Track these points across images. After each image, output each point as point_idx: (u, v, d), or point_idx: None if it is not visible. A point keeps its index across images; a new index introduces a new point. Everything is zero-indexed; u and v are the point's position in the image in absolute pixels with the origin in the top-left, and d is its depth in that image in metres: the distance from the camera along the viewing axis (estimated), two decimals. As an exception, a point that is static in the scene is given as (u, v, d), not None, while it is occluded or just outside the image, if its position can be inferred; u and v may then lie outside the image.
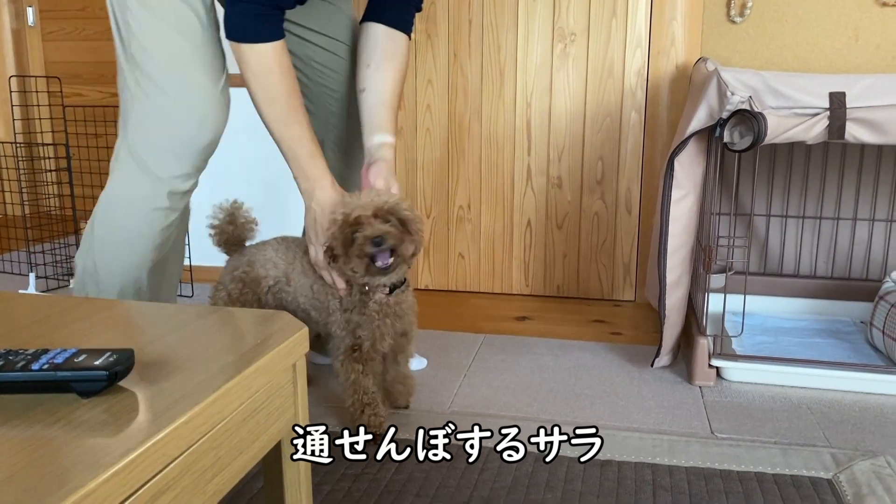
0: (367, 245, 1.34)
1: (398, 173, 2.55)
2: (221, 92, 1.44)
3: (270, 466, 0.87)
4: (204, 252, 2.71)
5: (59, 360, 0.66)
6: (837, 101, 1.60)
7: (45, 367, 0.65)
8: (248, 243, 1.61)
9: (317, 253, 1.44)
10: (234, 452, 0.71)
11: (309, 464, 0.89)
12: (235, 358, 0.75)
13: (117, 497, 0.54)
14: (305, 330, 0.84)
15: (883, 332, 1.86)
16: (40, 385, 0.65)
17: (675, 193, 1.75)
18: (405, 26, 1.60)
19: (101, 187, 2.67)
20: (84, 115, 2.75)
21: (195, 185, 1.49)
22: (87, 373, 0.65)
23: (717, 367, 1.80)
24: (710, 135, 1.75)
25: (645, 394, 1.75)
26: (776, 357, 1.84)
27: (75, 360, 0.66)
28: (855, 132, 1.61)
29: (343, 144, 1.74)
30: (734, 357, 1.82)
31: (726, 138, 1.66)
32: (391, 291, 1.45)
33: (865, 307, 2.04)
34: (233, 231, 1.57)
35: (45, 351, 0.68)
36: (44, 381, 0.65)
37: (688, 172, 1.76)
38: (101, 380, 0.65)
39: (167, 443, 0.60)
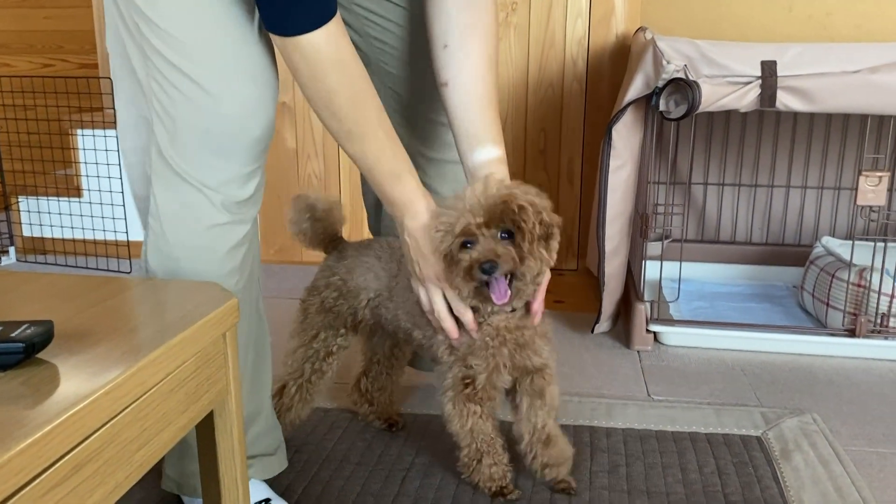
0: (475, 271, 1.03)
1: (324, 145, 2.52)
2: (267, 65, 1.04)
3: (204, 437, 0.87)
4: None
5: (-26, 333, 0.64)
6: (769, 70, 1.63)
7: (-41, 340, 0.63)
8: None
9: (420, 293, 1.14)
10: (161, 423, 0.70)
11: (243, 433, 0.89)
12: (161, 328, 0.74)
13: (33, 469, 0.53)
14: (235, 301, 0.83)
15: (813, 296, 1.93)
16: (-46, 359, 0.63)
17: (613, 163, 1.78)
18: None
19: (33, 161, 2.59)
20: (11, 85, 2.65)
21: (259, 186, 1.10)
22: (3, 345, 0.63)
23: (654, 332, 1.85)
24: (647, 104, 1.77)
25: (585, 359, 1.78)
26: (711, 321, 1.90)
27: (-10, 333, 0.64)
28: (785, 100, 1.64)
29: (413, 125, 1.37)
30: (671, 322, 1.86)
31: (662, 107, 1.68)
32: (514, 308, 1.13)
33: (798, 272, 2.10)
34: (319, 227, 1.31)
35: (-41, 324, 0.66)
36: (-43, 354, 0.63)
37: (626, 142, 1.78)
38: (18, 352, 0.63)
39: (87, 414, 0.59)
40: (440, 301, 1.11)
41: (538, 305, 1.14)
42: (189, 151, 1.01)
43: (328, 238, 1.31)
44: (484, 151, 1.13)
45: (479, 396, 1.15)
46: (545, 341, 1.18)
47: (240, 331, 1.13)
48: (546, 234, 1.06)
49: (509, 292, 1.05)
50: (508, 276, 1.05)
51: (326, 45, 0.95)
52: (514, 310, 1.13)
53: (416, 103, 1.34)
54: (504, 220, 1.03)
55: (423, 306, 1.14)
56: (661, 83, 1.66)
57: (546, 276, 1.12)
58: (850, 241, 1.85)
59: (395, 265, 1.23)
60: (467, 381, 1.14)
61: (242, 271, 1.10)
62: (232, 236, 1.06)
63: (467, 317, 1.11)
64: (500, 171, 1.12)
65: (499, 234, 1.05)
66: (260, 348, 1.20)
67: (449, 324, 1.12)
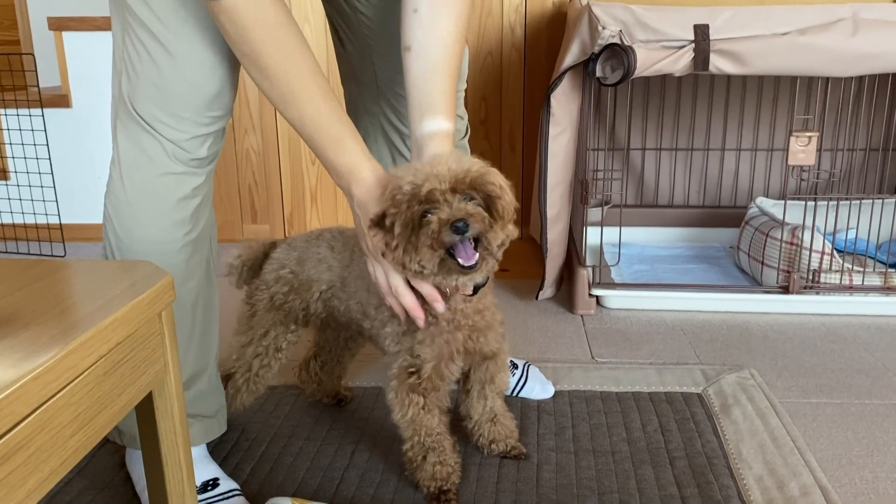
0: (445, 232, 0.96)
1: (261, 118, 2.48)
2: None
3: (144, 419, 0.85)
4: (75, 209, 2.57)
5: None
6: (702, 34, 1.65)
7: None
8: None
9: (377, 273, 1.07)
10: (96, 407, 0.69)
11: (185, 415, 0.87)
12: (92, 310, 0.72)
13: (-41, 460, 0.52)
14: (170, 279, 0.81)
15: (749, 255, 1.98)
16: None
17: (553, 129, 1.78)
18: None
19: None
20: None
21: (213, 150, 1.14)
22: (-78, 334, 0.60)
23: (597, 296, 1.88)
24: (584, 70, 1.78)
25: (530, 325, 1.80)
26: (651, 283, 1.93)
27: None
28: (718, 63, 1.67)
29: (388, 100, 1.34)
30: (612, 286, 1.89)
31: (598, 73, 1.69)
32: (474, 292, 1.08)
33: (734, 232, 2.16)
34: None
35: None
36: None
37: (564, 108, 1.79)
38: (-62, 340, 0.61)
39: (14, 400, 0.57)
40: (396, 276, 1.04)
41: (430, 291, 1.05)
42: (148, 106, 1.08)
43: (264, 254, 1.30)
44: (433, 123, 1.08)
45: (424, 387, 1.10)
46: (497, 324, 1.16)
47: (189, 289, 1.15)
48: (506, 210, 1.03)
49: (476, 254, 0.98)
50: (474, 243, 0.99)
51: (245, 7, 0.97)
52: (475, 292, 1.07)
53: (393, 76, 1.30)
54: (475, 188, 0.99)
55: (380, 288, 1.07)
56: (597, 49, 1.67)
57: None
58: (783, 201, 1.91)
59: (348, 254, 1.19)
60: (412, 370, 1.10)
61: (194, 224, 1.14)
62: (183, 186, 1.12)
63: (426, 288, 1.04)
64: (445, 146, 1.08)
65: (464, 199, 0.99)
66: (208, 308, 1.20)
67: (409, 299, 1.05)
